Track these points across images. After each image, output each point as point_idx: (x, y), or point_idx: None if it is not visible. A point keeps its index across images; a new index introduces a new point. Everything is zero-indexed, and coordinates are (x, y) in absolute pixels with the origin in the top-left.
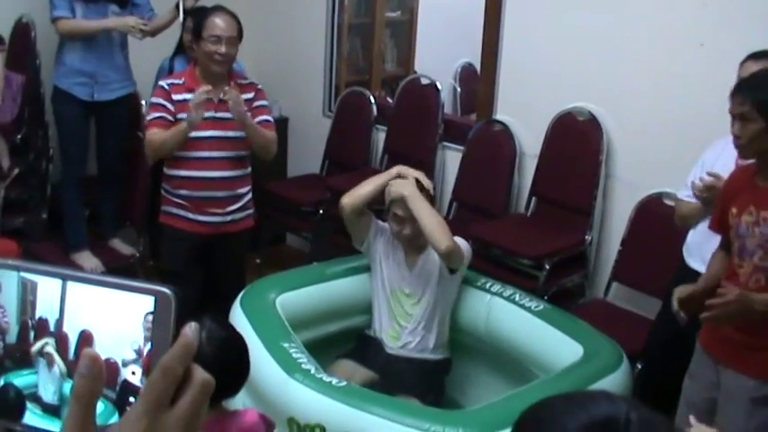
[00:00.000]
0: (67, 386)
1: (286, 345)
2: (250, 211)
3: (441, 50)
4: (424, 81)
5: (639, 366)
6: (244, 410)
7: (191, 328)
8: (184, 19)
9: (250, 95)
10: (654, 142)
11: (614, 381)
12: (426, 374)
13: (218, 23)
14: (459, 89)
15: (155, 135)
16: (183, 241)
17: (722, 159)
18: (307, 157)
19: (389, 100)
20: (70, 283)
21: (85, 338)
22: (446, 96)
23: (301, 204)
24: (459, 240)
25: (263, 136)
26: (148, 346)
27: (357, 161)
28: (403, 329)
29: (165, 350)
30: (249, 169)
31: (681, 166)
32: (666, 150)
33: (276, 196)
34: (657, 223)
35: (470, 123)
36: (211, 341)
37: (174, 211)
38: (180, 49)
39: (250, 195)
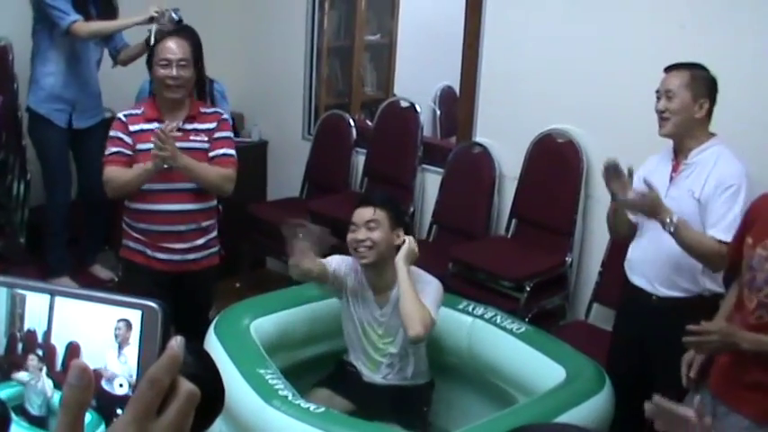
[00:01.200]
0: (55, 398)
1: (262, 371)
2: (214, 249)
3: (420, 73)
4: (404, 104)
5: None
6: None
7: (177, 341)
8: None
9: (212, 125)
10: (633, 163)
11: (597, 403)
12: (407, 401)
13: (168, 46)
14: (438, 112)
15: (114, 173)
16: (142, 276)
17: (656, 175)
18: (287, 180)
19: (369, 123)
20: (58, 298)
21: (73, 350)
22: (426, 119)
23: (282, 227)
24: (433, 288)
25: (210, 179)
26: (118, 351)
27: (337, 184)
28: (378, 364)
29: (153, 362)
30: (214, 202)
31: None
32: None
33: (256, 219)
34: None
35: (450, 146)
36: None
37: (132, 245)
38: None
39: (215, 233)
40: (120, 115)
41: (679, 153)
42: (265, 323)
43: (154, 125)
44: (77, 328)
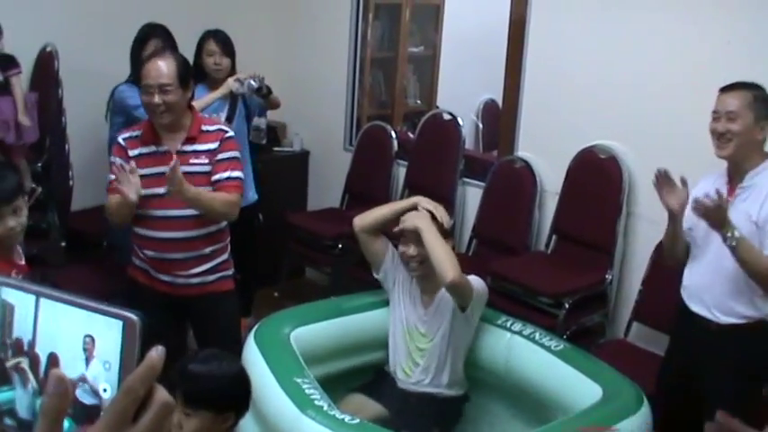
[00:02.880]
0: (39, 403)
1: (299, 380)
2: (225, 273)
3: (463, 86)
4: (446, 116)
5: None
6: None
7: (156, 351)
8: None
9: (213, 146)
10: (675, 180)
11: (634, 423)
12: (439, 410)
13: (149, 71)
14: (480, 125)
15: (108, 204)
16: (147, 296)
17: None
18: (327, 190)
19: (411, 135)
20: (43, 301)
21: (53, 360)
22: (468, 132)
23: (321, 237)
24: (474, 279)
25: (215, 209)
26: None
27: (378, 195)
28: (416, 366)
29: (131, 371)
30: (221, 225)
31: None
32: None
33: (296, 228)
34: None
35: (491, 159)
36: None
37: (139, 263)
38: (196, 80)
39: (225, 256)
40: (120, 139)
41: (734, 175)
42: (305, 333)
43: (152, 148)
44: (59, 337)
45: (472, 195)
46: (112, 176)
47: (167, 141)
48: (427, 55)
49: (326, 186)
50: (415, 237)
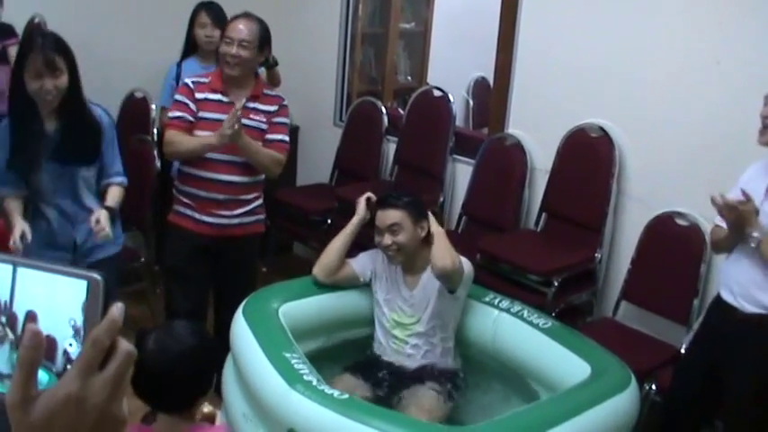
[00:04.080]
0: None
1: (288, 355)
2: (260, 216)
3: (454, 63)
4: (437, 93)
5: (648, 387)
6: (213, 427)
7: (117, 308)
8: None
9: (272, 108)
10: (667, 160)
11: (622, 401)
12: (431, 381)
13: (234, 25)
14: (471, 102)
15: (177, 137)
16: (187, 240)
17: (751, 184)
18: (317, 166)
19: (401, 111)
20: (20, 269)
21: (31, 317)
22: (458, 110)
23: (309, 213)
24: (463, 260)
25: (261, 161)
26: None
27: (367, 171)
28: (405, 344)
29: (96, 325)
30: (262, 176)
31: (694, 185)
32: (679, 169)
33: (284, 204)
34: (669, 242)
35: (482, 137)
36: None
37: (182, 210)
38: (188, 53)
39: (260, 201)
40: (188, 81)
41: None
42: (294, 308)
43: (218, 96)
44: (35, 297)
45: (462, 172)
46: (178, 113)
47: (232, 94)
48: (418, 31)
49: (316, 162)
50: (387, 228)
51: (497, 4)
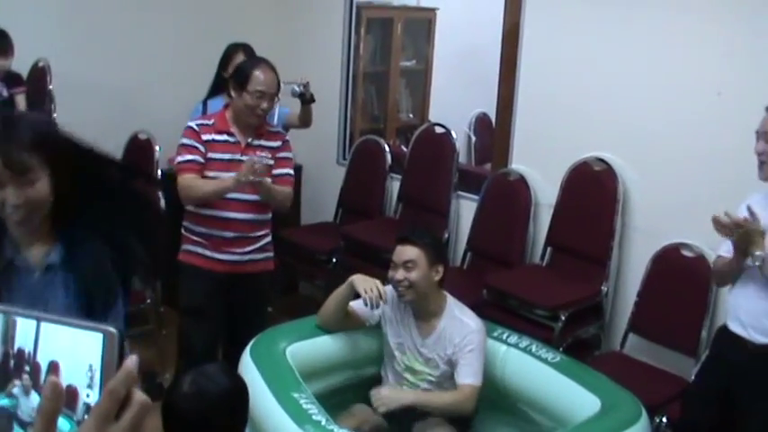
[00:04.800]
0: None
1: (296, 395)
2: (269, 253)
3: (455, 100)
4: (439, 130)
5: (658, 420)
6: None
7: (131, 360)
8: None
9: (277, 144)
10: (671, 192)
11: None
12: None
13: (264, 79)
14: (473, 138)
15: (194, 182)
16: (201, 278)
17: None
18: (321, 204)
19: (404, 148)
20: (42, 323)
21: (54, 367)
22: (460, 146)
23: (315, 252)
24: (472, 369)
25: (275, 198)
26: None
27: (372, 209)
28: (417, 388)
29: (112, 376)
30: (270, 214)
31: (698, 215)
32: (684, 200)
33: (290, 243)
34: (675, 274)
35: (485, 173)
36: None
37: (192, 248)
38: (215, 91)
39: (269, 239)
40: (193, 124)
41: None
42: (301, 348)
43: (224, 137)
44: (57, 349)
45: (466, 208)
46: (188, 157)
47: (238, 133)
48: (419, 69)
49: (320, 200)
50: (402, 264)
51: (497, 40)
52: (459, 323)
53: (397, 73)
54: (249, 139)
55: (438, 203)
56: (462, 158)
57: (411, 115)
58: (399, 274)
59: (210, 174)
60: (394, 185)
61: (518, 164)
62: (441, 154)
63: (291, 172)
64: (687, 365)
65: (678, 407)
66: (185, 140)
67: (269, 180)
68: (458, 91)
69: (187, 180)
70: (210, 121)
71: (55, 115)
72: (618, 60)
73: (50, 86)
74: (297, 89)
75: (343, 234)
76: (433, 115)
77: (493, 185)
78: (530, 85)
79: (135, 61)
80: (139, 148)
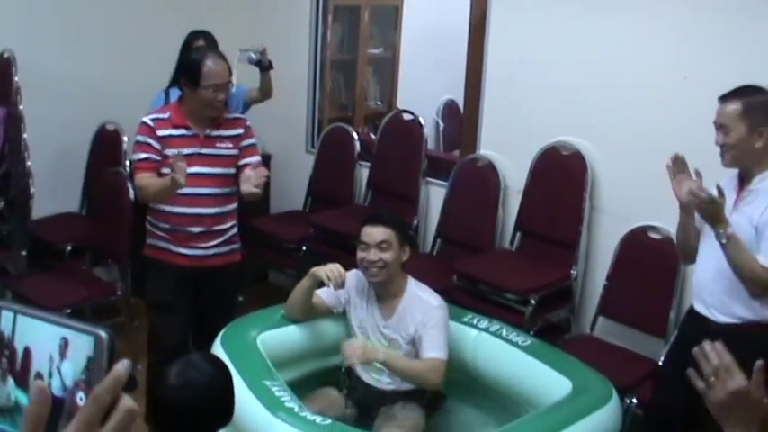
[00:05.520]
0: (18, 395)
1: (268, 383)
2: (236, 245)
3: (423, 87)
4: (407, 117)
5: (628, 401)
6: None
7: (123, 364)
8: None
9: (238, 132)
10: (638, 175)
11: (604, 415)
12: (412, 401)
13: (216, 71)
14: (442, 125)
15: (147, 181)
16: (168, 273)
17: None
18: (290, 193)
19: (373, 136)
20: (23, 317)
21: (27, 353)
22: (429, 133)
23: (285, 240)
24: (432, 299)
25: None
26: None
27: (341, 197)
28: (383, 373)
29: (99, 381)
30: (236, 204)
31: (665, 198)
32: (651, 183)
33: (259, 232)
34: (643, 256)
35: (454, 159)
36: (194, 382)
37: (158, 243)
38: (177, 80)
39: (235, 231)
40: (147, 120)
41: (744, 179)
42: (272, 336)
43: (181, 131)
44: (36, 335)
45: (435, 195)
46: (143, 155)
47: (195, 126)
48: (387, 56)
49: (289, 189)
50: (375, 244)
51: (464, 26)
52: (420, 301)
53: (364, 61)
54: (207, 131)
55: (407, 190)
56: (431, 145)
57: (379, 103)
58: (373, 255)
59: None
60: (363, 173)
61: (486, 150)
62: (409, 141)
63: (260, 158)
64: (657, 347)
65: (648, 388)
66: (140, 138)
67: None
68: (425, 78)
69: (143, 180)
70: (166, 115)
71: (21, 107)
72: (585, 46)
73: (16, 78)
74: (254, 56)
75: (313, 222)
76: (401, 103)
77: (462, 172)
78: (497, 72)
79: (102, 52)
80: (107, 139)
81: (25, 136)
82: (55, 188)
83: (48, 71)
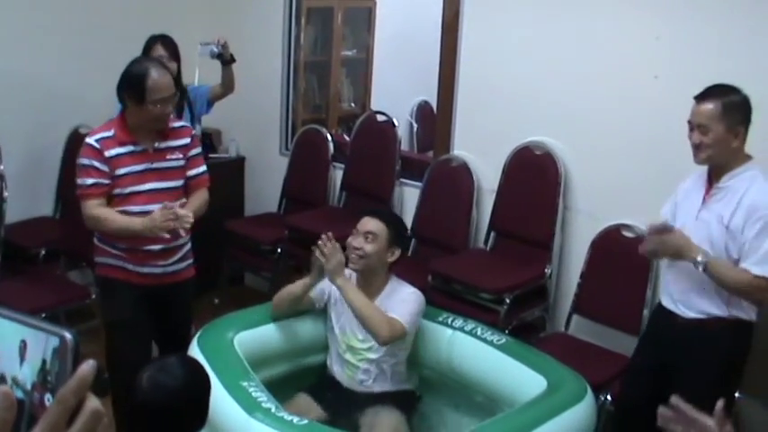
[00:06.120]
0: None
1: (245, 383)
2: (190, 260)
3: (396, 89)
4: (381, 118)
5: (603, 398)
6: None
7: (88, 365)
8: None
9: (185, 141)
10: (611, 174)
11: (579, 412)
12: (389, 403)
13: (162, 84)
14: (415, 126)
15: (103, 212)
16: (124, 290)
17: (690, 194)
18: (264, 195)
19: (346, 137)
20: None
21: None
22: (403, 134)
23: (260, 243)
24: (403, 311)
25: (201, 212)
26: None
27: (315, 198)
28: (356, 370)
29: (64, 383)
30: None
31: (637, 197)
32: (624, 182)
33: (234, 235)
34: (616, 255)
35: (428, 160)
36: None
37: (113, 262)
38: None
39: (189, 245)
40: (92, 141)
41: (714, 176)
42: (249, 337)
43: (129, 148)
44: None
45: (409, 195)
46: (90, 181)
47: (142, 140)
48: (360, 58)
49: (263, 191)
50: (362, 233)
51: (436, 27)
52: (397, 292)
53: (338, 62)
54: (156, 144)
55: (381, 191)
56: (405, 146)
57: (353, 104)
58: (357, 242)
59: (126, 190)
60: (337, 174)
61: (460, 150)
62: (383, 142)
63: (205, 169)
64: (630, 344)
65: (621, 385)
66: (84, 161)
67: (190, 213)
68: (399, 79)
69: (92, 209)
70: (110, 133)
71: None
72: (557, 45)
73: None
74: (215, 50)
75: (288, 224)
76: (375, 104)
77: (435, 172)
78: (470, 72)
79: (74, 54)
80: (80, 142)
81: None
82: (28, 192)
83: (19, 74)
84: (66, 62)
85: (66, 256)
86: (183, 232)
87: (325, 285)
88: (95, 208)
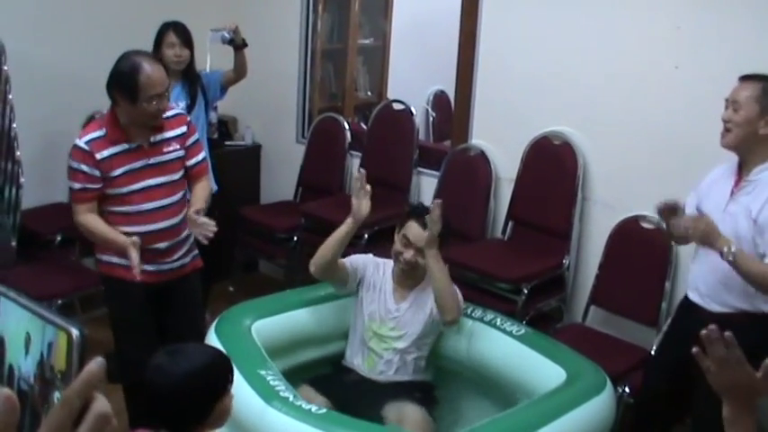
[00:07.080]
0: None
1: (263, 372)
2: (196, 251)
3: (413, 77)
4: (398, 107)
5: (621, 390)
6: None
7: (96, 363)
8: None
9: (182, 130)
10: (630, 165)
11: (598, 404)
12: (411, 396)
13: (155, 80)
14: (433, 115)
15: (90, 221)
16: (130, 289)
17: (716, 187)
18: (280, 183)
19: (363, 126)
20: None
21: (1, 343)
22: (420, 123)
23: (275, 231)
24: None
25: (208, 201)
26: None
27: (332, 187)
28: (379, 359)
29: (72, 378)
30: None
31: (657, 187)
32: (643, 173)
33: (249, 222)
34: (635, 246)
35: (445, 149)
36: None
37: (115, 260)
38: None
39: (192, 236)
40: (81, 143)
41: (743, 168)
42: (267, 325)
43: (123, 146)
44: (8, 327)
45: (427, 185)
46: (78, 185)
47: (136, 136)
48: (377, 46)
49: (279, 179)
50: (416, 247)
51: (454, 16)
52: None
53: (354, 50)
54: (152, 138)
55: (399, 180)
56: (421, 135)
57: (369, 93)
58: (410, 255)
59: (123, 189)
60: (354, 163)
61: (478, 139)
62: (400, 131)
63: (205, 155)
64: (648, 336)
65: (640, 377)
66: (73, 164)
67: (212, 222)
68: (415, 68)
69: (79, 215)
70: (101, 132)
71: (10, 96)
72: (577, 34)
73: (5, 67)
74: (227, 35)
75: (304, 212)
76: (391, 93)
77: (453, 161)
78: (489, 61)
79: (89, 40)
80: None
81: (14, 125)
82: (44, 178)
83: (37, 61)
84: (82, 48)
85: (81, 242)
86: (203, 239)
87: (360, 264)
88: (83, 214)
